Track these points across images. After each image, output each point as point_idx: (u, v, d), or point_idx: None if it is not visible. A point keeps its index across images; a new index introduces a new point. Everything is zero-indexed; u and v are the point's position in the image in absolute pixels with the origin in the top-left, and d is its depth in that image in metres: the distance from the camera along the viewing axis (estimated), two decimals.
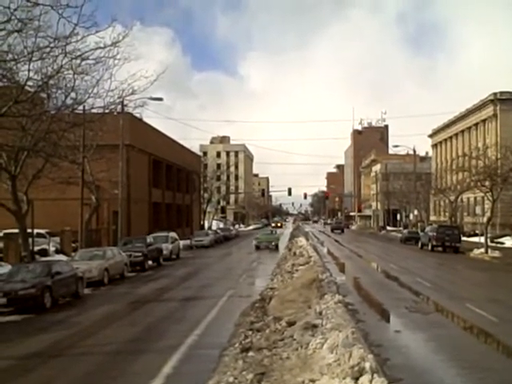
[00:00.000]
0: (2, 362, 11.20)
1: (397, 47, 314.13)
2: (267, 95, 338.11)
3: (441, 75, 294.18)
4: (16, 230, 27.48)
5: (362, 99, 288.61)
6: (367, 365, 7.88)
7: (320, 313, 12.95)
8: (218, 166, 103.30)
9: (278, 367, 9.22)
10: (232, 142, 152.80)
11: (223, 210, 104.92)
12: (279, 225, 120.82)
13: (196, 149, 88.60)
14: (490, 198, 39.65)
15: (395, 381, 8.80)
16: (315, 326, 11.48)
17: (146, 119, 49.45)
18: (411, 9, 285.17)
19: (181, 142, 68.56)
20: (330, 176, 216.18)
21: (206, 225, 77.86)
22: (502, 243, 46.31)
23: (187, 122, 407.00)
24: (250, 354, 10.36)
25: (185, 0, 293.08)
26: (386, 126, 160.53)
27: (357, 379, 7.60)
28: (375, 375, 7.57)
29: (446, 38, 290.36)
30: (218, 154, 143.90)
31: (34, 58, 17.66)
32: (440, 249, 41.50)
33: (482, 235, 41.21)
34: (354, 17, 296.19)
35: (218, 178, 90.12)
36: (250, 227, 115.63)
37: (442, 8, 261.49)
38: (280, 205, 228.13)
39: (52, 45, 17.34)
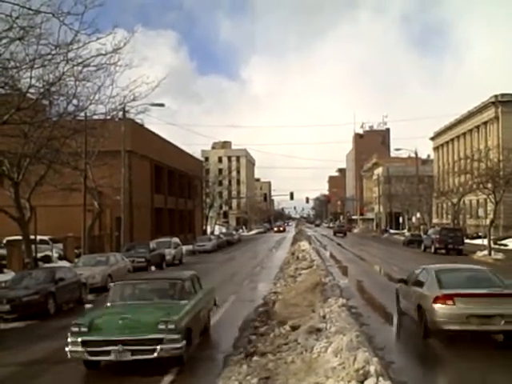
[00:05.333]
0: (5, 368, 11.20)
1: (400, 49, 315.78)
2: (270, 99, 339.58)
3: (445, 77, 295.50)
4: (19, 237, 27.54)
5: (364, 102, 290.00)
6: (372, 368, 7.88)
7: (324, 316, 12.94)
8: (220, 171, 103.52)
9: (283, 371, 9.21)
10: (234, 147, 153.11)
11: (225, 215, 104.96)
12: (282, 229, 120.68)
13: (198, 154, 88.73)
14: (493, 200, 39.60)
15: None
16: (319, 330, 11.48)
17: (149, 125, 49.64)
18: (415, 10, 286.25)
19: (185, 147, 69.00)
20: (331, 180, 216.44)
21: (209, 230, 77.86)
22: (506, 245, 46.22)
23: (189, 128, 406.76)
24: (255, 358, 10.34)
25: (188, 3, 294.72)
26: (388, 130, 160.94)
27: (362, 382, 7.60)
28: (380, 378, 7.57)
29: (450, 39, 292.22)
30: (220, 159, 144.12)
31: (35, 66, 17.73)
32: (443, 251, 41.40)
33: (484, 237, 41.10)
34: (358, 18, 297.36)
35: (220, 183, 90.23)
36: (253, 231, 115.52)
37: (447, 9, 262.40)
38: (282, 209, 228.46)
39: (54, 52, 17.39)
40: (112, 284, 12.39)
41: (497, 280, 12.53)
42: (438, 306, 11.61)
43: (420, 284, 13.19)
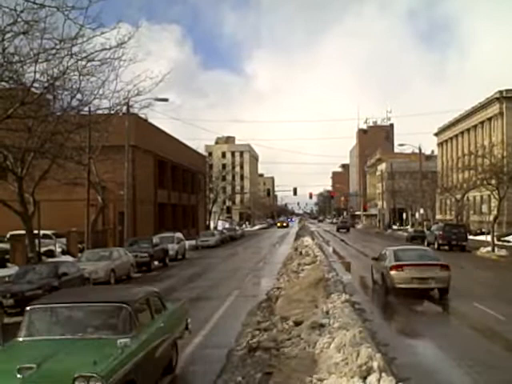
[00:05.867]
0: None
1: (405, 45, 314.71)
2: (274, 94, 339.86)
3: (450, 73, 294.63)
4: (22, 232, 27.56)
5: (368, 97, 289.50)
6: (375, 364, 7.88)
7: (327, 312, 12.95)
8: (224, 166, 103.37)
9: (286, 366, 9.23)
10: (238, 142, 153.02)
11: (229, 210, 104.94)
12: (285, 224, 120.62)
13: (202, 149, 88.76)
14: (497, 197, 39.52)
15: (403, 380, 8.78)
16: (322, 326, 11.49)
17: (153, 119, 49.61)
18: (421, 5, 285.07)
19: (189, 142, 69.00)
20: (335, 175, 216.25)
21: (212, 225, 77.92)
22: (509, 241, 46.12)
23: (193, 123, 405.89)
24: (258, 353, 10.37)
25: None
26: (392, 125, 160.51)
27: (365, 378, 7.60)
28: (383, 374, 7.57)
29: (455, 35, 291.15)
30: (224, 155, 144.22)
31: (40, 60, 17.70)
32: (446, 247, 41.34)
33: (488, 234, 41.07)
34: (363, 14, 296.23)
35: (224, 178, 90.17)
36: (256, 227, 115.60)
37: (453, 4, 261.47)
38: (285, 204, 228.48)
39: (58, 46, 17.35)
40: (28, 307, 8.29)
41: (434, 256, 19.16)
42: (393, 272, 17.73)
43: (384, 259, 19.09)
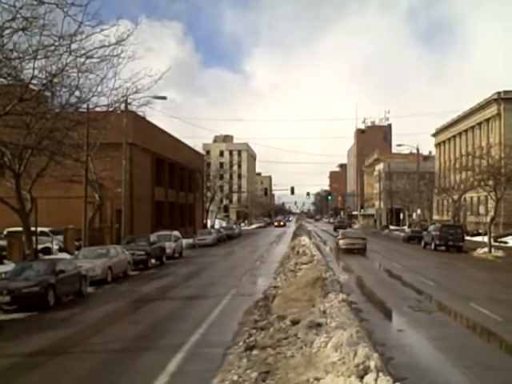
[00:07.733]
0: (6, 359, 11.23)
1: (404, 44, 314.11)
2: (273, 93, 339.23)
3: (448, 73, 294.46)
4: (20, 229, 27.56)
5: (367, 97, 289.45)
6: (372, 363, 7.86)
7: (324, 311, 12.94)
8: (221, 164, 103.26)
9: (283, 366, 9.21)
10: (236, 141, 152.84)
11: (226, 209, 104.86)
12: (282, 223, 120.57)
13: (200, 147, 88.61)
14: (494, 198, 39.61)
15: (400, 380, 8.78)
16: (319, 325, 11.47)
17: (153, 117, 49.42)
18: (421, 5, 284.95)
19: (187, 140, 68.82)
20: (333, 175, 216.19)
21: (209, 223, 77.86)
22: (506, 242, 46.21)
23: (192, 121, 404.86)
24: (255, 352, 10.35)
25: None
26: (390, 125, 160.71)
27: (362, 378, 7.58)
28: (380, 374, 7.55)
29: (455, 35, 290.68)
30: (221, 153, 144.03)
31: (38, 57, 17.61)
32: (443, 248, 41.42)
33: (485, 234, 41.12)
34: (363, 12, 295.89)
35: (221, 177, 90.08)
36: (253, 226, 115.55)
37: (453, 5, 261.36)
38: (283, 203, 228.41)
39: (57, 43, 17.24)
40: None
41: (360, 234, 42.80)
42: (340, 241, 39.69)
43: (338, 235, 42.73)
